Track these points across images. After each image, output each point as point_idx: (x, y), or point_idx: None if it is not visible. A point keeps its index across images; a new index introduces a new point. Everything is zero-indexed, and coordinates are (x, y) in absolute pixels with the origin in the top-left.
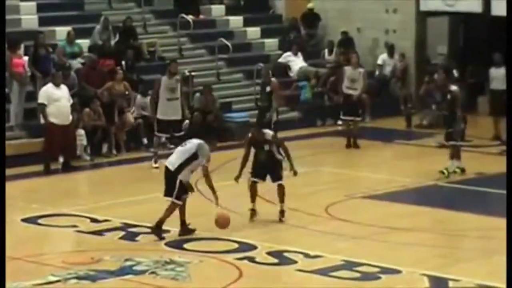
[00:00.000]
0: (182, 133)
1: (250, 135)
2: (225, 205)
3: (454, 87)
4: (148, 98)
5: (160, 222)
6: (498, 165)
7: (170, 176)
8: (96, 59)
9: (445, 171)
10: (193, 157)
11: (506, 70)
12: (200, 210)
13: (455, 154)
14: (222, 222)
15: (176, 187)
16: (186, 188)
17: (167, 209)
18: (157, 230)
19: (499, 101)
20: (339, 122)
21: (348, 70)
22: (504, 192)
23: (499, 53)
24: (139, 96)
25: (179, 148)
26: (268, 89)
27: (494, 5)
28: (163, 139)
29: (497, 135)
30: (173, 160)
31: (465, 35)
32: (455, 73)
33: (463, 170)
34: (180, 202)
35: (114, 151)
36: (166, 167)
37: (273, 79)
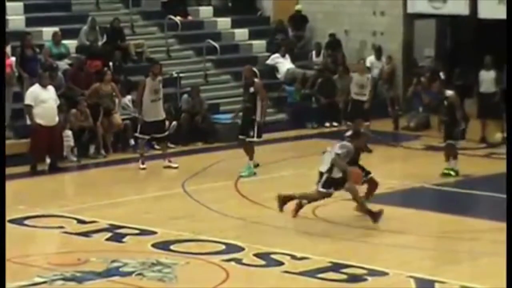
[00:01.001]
0: (164, 134)
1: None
2: (212, 207)
3: (450, 92)
4: (128, 97)
5: (288, 198)
6: (485, 168)
7: (321, 175)
8: (84, 60)
9: (452, 172)
10: (337, 157)
11: (506, 71)
12: (186, 212)
13: (454, 154)
14: (355, 177)
15: (322, 181)
16: (338, 183)
17: (313, 194)
18: (282, 204)
19: (488, 104)
20: (326, 124)
21: (355, 76)
22: (491, 194)
23: (489, 56)
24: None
25: (327, 154)
26: (251, 90)
27: (480, 8)
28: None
29: (484, 137)
30: (324, 164)
31: (452, 37)
32: (442, 75)
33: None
34: (323, 190)
35: (103, 152)
36: (320, 172)
37: (256, 79)
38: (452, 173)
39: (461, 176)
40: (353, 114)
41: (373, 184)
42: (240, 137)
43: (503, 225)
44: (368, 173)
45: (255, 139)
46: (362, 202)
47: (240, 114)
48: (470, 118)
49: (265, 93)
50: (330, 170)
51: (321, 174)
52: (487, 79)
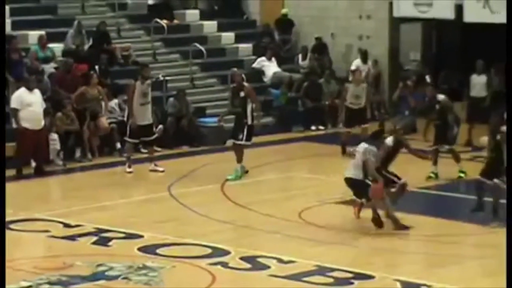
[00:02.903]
0: (153, 137)
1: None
2: (198, 210)
3: (442, 97)
4: (114, 101)
5: (393, 219)
6: (470, 171)
7: (361, 183)
8: (72, 63)
9: (462, 174)
10: (365, 163)
11: (506, 71)
12: (172, 215)
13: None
14: (377, 190)
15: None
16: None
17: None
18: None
19: (478, 108)
20: (313, 128)
21: (351, 87)
22: (476, 197)
23: (480, 60)
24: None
25: (353, 161)
26: (242, 94)
27: (466, 12)
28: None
29: (470, 141)
30: (354, 172)
31: (438, 41)
32: (428, 78)
33: (437, 175)
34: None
35: (90, 156)
36: (351, 178)
37: (245, 83)
38: (462, 175)
39: (447, 179)
40: (350, 121)
41: (401, 189)
42: (231, 141)
43: (489, 229)
44: (398, 178)
45: (243, 142)
46: (390, 212)
47: (225, 117)
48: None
49: (256, 96)
50: (366, 176)
51: (350, 180)
52: (479, 83)
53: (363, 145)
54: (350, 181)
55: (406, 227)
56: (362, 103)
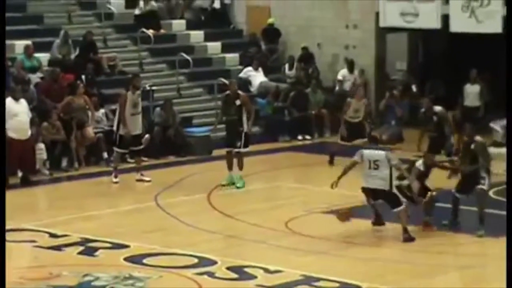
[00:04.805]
0: (141, 147)
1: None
2: (185, 220)
3: (438, 108)
4: (101, 111)
5: (405, 229)
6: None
7: (388, 193)
8: (58, 73)
9: None
10: (391, 169)
11: (506, 72)
12: (159, 225)
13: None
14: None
15: (398, 196)
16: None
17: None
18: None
19: (471, 117)
20: (299, 137)
21: (353, 102)
22: (464, 207)
23: (474, 69)
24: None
25: (374, 172)
26: (238, 102)
27: (452, 22)
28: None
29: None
30: (381, 182)
31: (424, 51)
32: (414, 88)
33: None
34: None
35: (76, 165)
36: (379, 189)
37: (240, 92)
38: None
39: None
40: (350, 136)
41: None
42: (228, 149)
43: (475, 238)
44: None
45: (242, 149)
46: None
47: (218, 126)
48: None
49: (251, 105)
50: (390, 186)
51: (381, 192)
52: (472, 92)
53: (379, 152)
54: (380, 193)
55: (412, 239)
56: (361, 116)
